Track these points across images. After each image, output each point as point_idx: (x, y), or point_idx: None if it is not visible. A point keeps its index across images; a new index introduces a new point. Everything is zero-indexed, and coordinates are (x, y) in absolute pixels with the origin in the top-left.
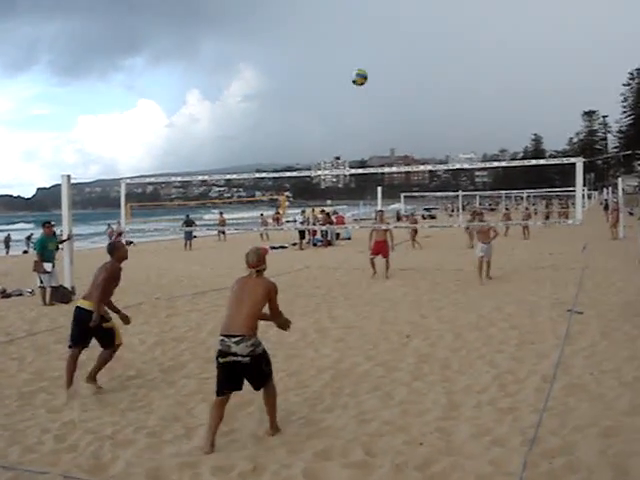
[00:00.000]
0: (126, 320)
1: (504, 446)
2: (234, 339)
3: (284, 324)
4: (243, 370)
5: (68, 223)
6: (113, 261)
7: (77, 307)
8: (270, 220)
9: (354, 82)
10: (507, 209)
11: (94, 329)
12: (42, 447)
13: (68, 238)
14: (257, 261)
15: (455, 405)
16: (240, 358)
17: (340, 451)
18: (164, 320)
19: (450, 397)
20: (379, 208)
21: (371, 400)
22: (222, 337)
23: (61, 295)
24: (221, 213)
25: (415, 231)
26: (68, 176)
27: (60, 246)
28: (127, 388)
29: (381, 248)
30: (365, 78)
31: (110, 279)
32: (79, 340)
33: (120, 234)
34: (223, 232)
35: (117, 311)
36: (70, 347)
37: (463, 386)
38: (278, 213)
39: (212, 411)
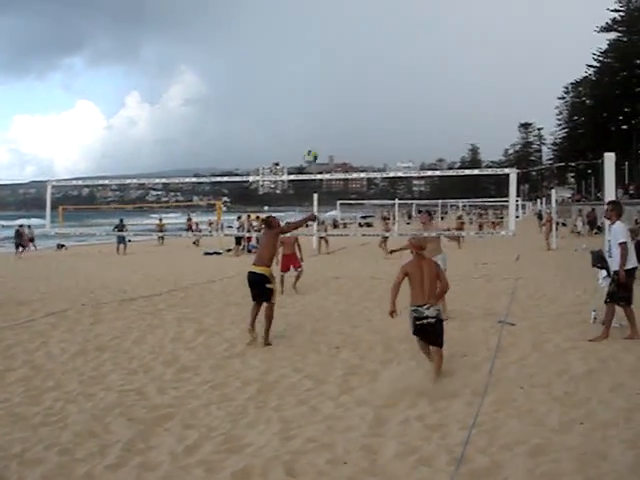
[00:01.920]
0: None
1: (430, 466)
2: (425, 306)
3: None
4: (429, 328)
5: None
6: (273, 232)
7: (250, 272)
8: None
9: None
10: (460, 217)
11: (261, 288)
12: None
13: None
14: (424, 244)
15: (382, 421)
16: (430, 319)
17: (260, 471)
18: (88, 328)
19: (378, 412)
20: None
21: (296, 415)
22: (416, 307)
23: None
24: (160, 219)
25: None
26: None
27: None
28: (43, 401)
29: (290, 261)
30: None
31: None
32: (255, 298)
33: (32, 240)
34: (162, 237)
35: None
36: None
37: (392, 401)
38: (190, 220)
39: (420, 345)
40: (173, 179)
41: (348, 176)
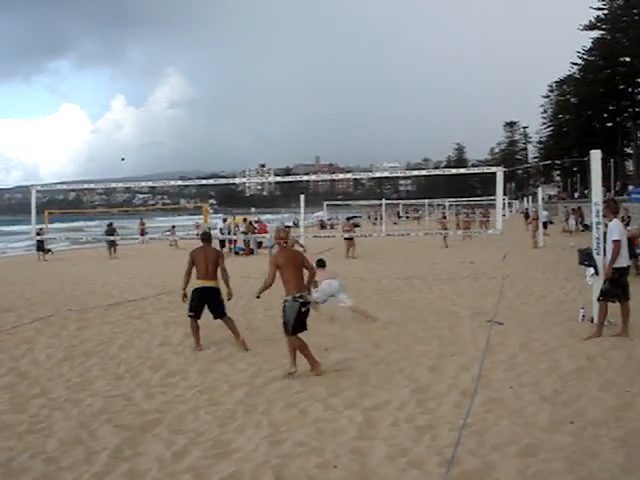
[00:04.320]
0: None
1: (421, 468)
2: (305, 293)
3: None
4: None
5: None
6: (212, 246)
7: (203, 287)
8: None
9: None
10: (444, 216)
11: (212, 301)
12: None
13: None
14: (284, 234)
15: (371, 423)
16: (309, 304)
17: (249, 476)
18: (74, 333)
19: (367, 414)
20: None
21: (285, 418)
22: (299, 294)
23: None
24: (111, 223)
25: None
26: None
27: None
28: (29, 409)
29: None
30: None
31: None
32: (197, 310)
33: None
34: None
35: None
36: (191, 316)
37: (381, 402)
38: (142, 224)
39: (299, 345)
40: (159, 182)
41: (335, 177)
